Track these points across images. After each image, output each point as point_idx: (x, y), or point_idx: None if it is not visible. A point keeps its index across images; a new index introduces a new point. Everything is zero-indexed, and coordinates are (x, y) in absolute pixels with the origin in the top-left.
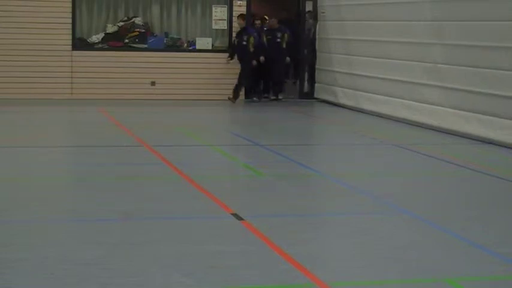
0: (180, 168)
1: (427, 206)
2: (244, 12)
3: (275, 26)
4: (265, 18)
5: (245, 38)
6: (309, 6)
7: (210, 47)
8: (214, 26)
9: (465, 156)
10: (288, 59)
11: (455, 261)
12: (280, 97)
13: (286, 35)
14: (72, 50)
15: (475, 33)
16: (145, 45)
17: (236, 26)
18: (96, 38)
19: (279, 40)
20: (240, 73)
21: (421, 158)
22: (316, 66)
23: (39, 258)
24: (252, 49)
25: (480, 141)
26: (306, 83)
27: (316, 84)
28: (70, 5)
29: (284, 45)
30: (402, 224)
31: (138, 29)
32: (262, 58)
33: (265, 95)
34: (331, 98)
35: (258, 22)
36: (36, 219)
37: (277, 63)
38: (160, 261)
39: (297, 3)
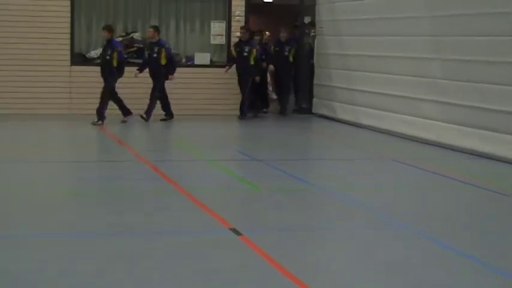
0: (178, 182)
1: (425, 221)
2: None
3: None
4: (263, 33)
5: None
6: (307, 21)
7: (208, 62)
8: (212, 41)
9: (464, 171)
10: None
11: (455, 275)
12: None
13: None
14: (71, 65)
15: (474, 48)
16: (141, 61)
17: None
18: (94, 53)
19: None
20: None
21: (419, 172)
22: (315, 82)
23: (37, 272)
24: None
25: (479, 156)
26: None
27: (314, 99)
28: (69, 20)
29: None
30: (401, 238)
31: (136, 44)
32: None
33: (264, 110)
34: (329, 113)
35: (257, 38)
36: (34, 233)
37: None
38: (159, 276)
39: (295, 18)
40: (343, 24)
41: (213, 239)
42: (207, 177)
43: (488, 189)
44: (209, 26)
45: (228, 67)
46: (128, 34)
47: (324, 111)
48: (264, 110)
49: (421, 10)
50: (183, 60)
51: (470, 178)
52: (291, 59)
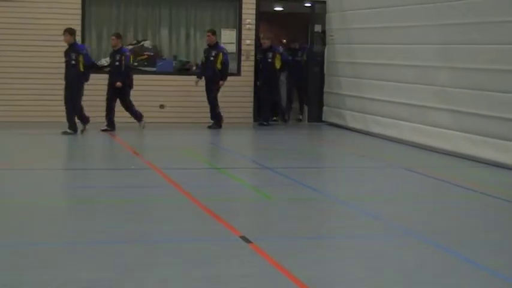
0: (188, 190)
1: (436, 229)
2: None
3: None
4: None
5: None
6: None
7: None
8: None
9: (473, 179)
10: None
11: (466, 285)
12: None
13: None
14: None
15: (483, 56)
16: (154, 69)
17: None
18: (105, 61)
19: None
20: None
21: (429, 181)
22: (325, 90)
23: (46, 281)
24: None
25: (488, 164)
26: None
27: (324, 107)
28: (80, 28)
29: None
30: (411, 247)
31: (147, 52)
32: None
33: (275, 118)
34: (339, 121)
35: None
36: (42, 242)
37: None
38: (168, 284)
39: (306, 26)
40: (353, 32)
41: (223, 247)
42: (217, 185)
43: (499, 197)
44: (219, 34)
45: (198, 80)
46: (138, 42)
47: (334, 120)
48: (274, 118)
49: (430, 19)
50: (194, 68)
51: (480, 187)
52: (277, 66)
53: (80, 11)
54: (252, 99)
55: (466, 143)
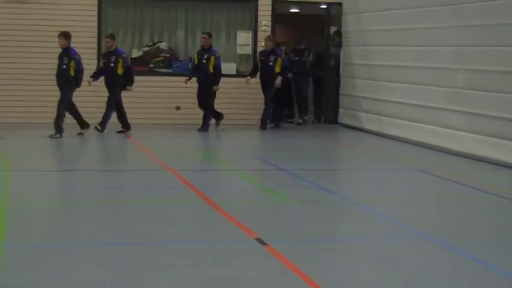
0: (203, 192)
1: (449, 232)
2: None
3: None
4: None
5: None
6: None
7: (234, 72)
8: (238, 51)
9: (487, 181)
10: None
11: (479, 287)
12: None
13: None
14: None
15: (499, 58)
16: (170, 70)
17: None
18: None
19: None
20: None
21: (444, 183)
22: (340, 91)
23: (58, 282)
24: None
25: (502, 166)
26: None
27: (340, 109)
28: (96, 30)
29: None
30: (425, 249)
31: (163, 54)
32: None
33: (290, 120)
34: (355, 123)
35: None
36: (55, 242)
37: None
38: (182, 286)
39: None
40: (369, 34)
41: (238, 249)
42: (232, 187)
43: None
44: (235, 36)
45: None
46: (154, 44)
47: (350, 121)
48: (290, 120)
49: (446, 20)
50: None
51: (493, 188)
52: (276, 70)
53: (96, 13)
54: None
55: (482, 145)
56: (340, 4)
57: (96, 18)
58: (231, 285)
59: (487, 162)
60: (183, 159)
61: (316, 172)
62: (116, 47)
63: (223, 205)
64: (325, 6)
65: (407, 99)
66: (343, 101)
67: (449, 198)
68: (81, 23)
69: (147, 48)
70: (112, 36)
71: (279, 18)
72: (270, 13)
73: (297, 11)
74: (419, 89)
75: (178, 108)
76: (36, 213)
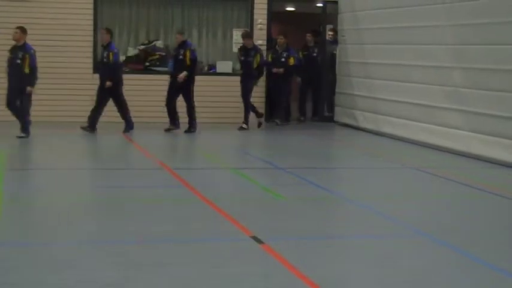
0: (199, 190)
1: (447, 230)
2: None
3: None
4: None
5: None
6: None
7: (230, 70)
8: (234, 49)
9: (485, 180)
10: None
11: (478, 285)
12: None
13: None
14: (94, 73)
15: (496, 57)
16: (166, 68)
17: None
18: None
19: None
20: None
21: (441, 181)
22: (336, 90)
23: (59, 280)
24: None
25: (500, 164)
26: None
27: (336, 108)
28: (91, 28)
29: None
30: (423, 247)
31: (158, 52)
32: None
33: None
34: (351, 122)
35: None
36: (55, 241)
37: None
38: (180, 284)
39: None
40: (365, 32)
41: (234, 247)
42: (228, 185)
43: (511, 198)
44: (231, 34)
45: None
46: (150, 42)
47: (346, 120)
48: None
49: (442, 19)
50: (205, 68)
51: (492, 187)
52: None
53: (91, 11)
54: (263, 99)
55: (478, 144)
56: (336, 2)
57: (92, 17)
58: (228, 283)
59: (484, 160)
60: (179, 158)
61: (313, 170)
62: (25, 42)
63: (219, 203)
64: (321, 5)
65: (404, 97)
66: (339, 99)
67: (447, 197)
68: (76, 21)
69: (143, 47)
70: (22, 29)
71: (275, 16)
72: (266, 11)
73: (293, 9)
74: (416, 87)
75: None
76: (34, 212)
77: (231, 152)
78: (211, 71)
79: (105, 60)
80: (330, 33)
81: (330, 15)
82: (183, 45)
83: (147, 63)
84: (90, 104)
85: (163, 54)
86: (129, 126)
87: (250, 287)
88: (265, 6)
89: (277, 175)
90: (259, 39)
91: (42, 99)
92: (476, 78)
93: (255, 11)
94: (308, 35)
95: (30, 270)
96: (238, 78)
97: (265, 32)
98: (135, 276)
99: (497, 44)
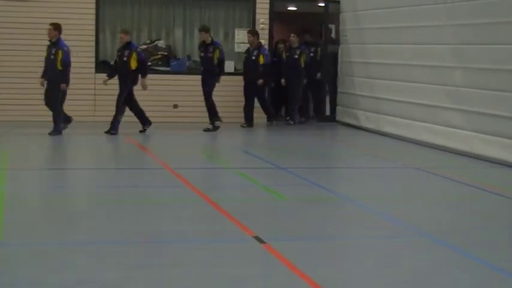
0: (201, 190)
1: (449, 230)
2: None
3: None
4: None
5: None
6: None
7: (232, 70)
8: (236, 49)
9: (487, 180)
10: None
11: (478, 285)
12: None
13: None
14: (96, 72)
15: (497, 56)
16: (168, 68)
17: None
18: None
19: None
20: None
21: (443, 181)
22: (338, 89)
23: (59, 281)
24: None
25: (502, 164)
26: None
27: (337, 107)
28: (94, 28)
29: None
30: (424, 248)
31: (160, 52)
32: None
33: (287, 118)
34: (352, 121)
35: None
36: (55, 241)
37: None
38: (181, 284)
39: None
40: (367, 32)
41: (236, 247)
42: (230, 185)
43: None
44: (233, 34)
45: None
46: (152, 42)
47: (347, 120)
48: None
49: (443, 19)
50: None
51: (493, 187)
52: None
53: (94, 11)
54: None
55: (480, 143)
56: (338, 2)
57: (94, 16)
58: (229, 283)
59: (486, 160)
60: (181, 158)
61: (315, 170)
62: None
63: (221, 203)
64: (323, 4)
65: (405, 97)
66: (340, 98)
67: (449, 197)
68: (78, 21)
69: (144, 46)
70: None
71: (277, 16)
72: (268, 11)
73: (295, 9)
74: (417, 87)
75: (175, 106)
76: (36, 212)
77: (232, 151)
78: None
79: (52, 57)
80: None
81: (332, 14)
82: (128, 46)
83: (149, 63)
84: (92, 104)
85: (166, 54)
86: (57, 130)
87: (251, 287)
88: (267, 6)
89: (278, 175)
90: (261, 38)
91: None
92: (477, 78)
93: (257, 10)
94: (292, 35)
95: (30, 270)
96: (240, 78)
97: (267, 31)
98: (135, 276)
99: (499, 44)
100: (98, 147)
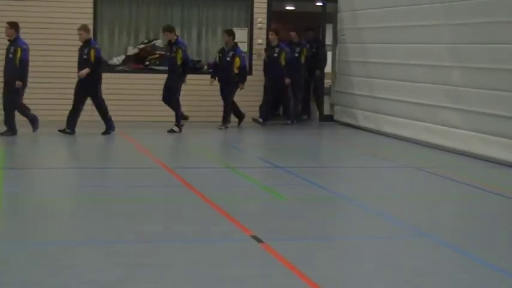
0: (199, 190)
1: (448, 230)
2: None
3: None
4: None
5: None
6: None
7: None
8: None
9: (486, 180)
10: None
11: (478, 285)
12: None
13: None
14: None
15: (496, 56)
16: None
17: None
18: (116, 60)
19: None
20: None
21: (443, 181)
22: (336, 89)
23: (58, 281)
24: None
25: (501, 164)
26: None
27: (336, 107)
28: (91, 27)
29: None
30: (424, 247)
31: (158, 52)
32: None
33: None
34: (351, 121)
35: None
36: (54, 241)
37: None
38: (180, 284)
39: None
40: (365, 31)
41: (234, 247)
42: (228, 184)
43: None
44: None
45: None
46: (150, 41)
47: (346, 119)
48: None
49: (442, 18)
50: (205, 67)
51: (492, 187)
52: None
53: (92, 10)
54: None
55: (478, 143)
56: (335, 1)
57: (91, 16)
58: (228, 283)
59: (485, 160)
60: (179, 157)
61: (313, 169)
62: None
63: (219, 203)
64: (321, 4)
65: (404, 96)
66: (338, 98)
67: (448, 197)
68: (77, 20)
69: (142, 46)
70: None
71: (274, 15)
72: (265, 10)
73: (293, 8)
74: (416, 87)
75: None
76: (35, 212)
77: (231, 151)
78: (211, 70)
79: (11, 56)
80: (293, 33)
81: (329, 14)
82: (87, 43)
83: (147, 63)
84: (89, 103)
85: (163, 53)
86: (10, 131)
87: (250, 287)
88: (265, 6)
89: (277, 175)
90: (259, 38)
91: (41, 98)
92: (475, 77)
93: (255, 10)
94: (271, 33)
95: (30, 270)
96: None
97: (265, 31)
98: (135, 276)
99: (497, 43)
100: (96, 147)
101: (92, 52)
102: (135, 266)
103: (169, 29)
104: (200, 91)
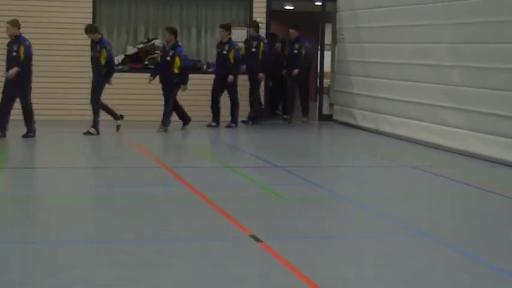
0: (198, 189)
1: (447, 229)
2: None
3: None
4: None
5: (226, 47)
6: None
7: None
8: None
9: (486, 180)
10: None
11: (478, 285)
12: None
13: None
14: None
15: (495, 55)
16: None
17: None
18: (115, 59)
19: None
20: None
21: (441, 181)
22: (335, 88)
23: (57, 280)
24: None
25: (500, 163)
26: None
27: (335, 107)
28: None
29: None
30: (423, 247)
31: (157, 51)
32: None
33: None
34: (350, 120)
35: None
36: (54, 240)
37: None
38: (180, 284)
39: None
40: (364, 31)
41: (233, 246)
42: (227, 183)
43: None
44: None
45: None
46: (149, 41)
47: (345, 118)
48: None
49: (441, 18)
50: (204, 66)
51: (491, 186)
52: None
53: (91, 10)
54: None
55: (477, 143)
56: (335, 1)
57: (91, 15)
58: (227, 282)
59: (484, 159)
60: (178, 156)
61: (313, 169)
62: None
63: (218, 202)
64: (320, 3)
65: (403, 96)
66: (338, 98)
67: (447, 196)
68: (76, 20)
69: (141, 45)
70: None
71: (273, 14)
72: (264, 9)
73: (292, 7)
74: (415, 86)
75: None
76: (34, 211)
77: (230, 150)
78: (210, 70)
79: (14, 54)
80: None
81: (328, 13)
82: (17, 40)
83: (146, 62)
84: (89, 102)
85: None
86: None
87: (249, 286)
88: (264, 5)
89: (276, 174)
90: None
91: (41, 97)
92: (475, 77)
93: (254, 9)
94: (221, 30)
95: (30, 270)
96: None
97: (264, 30)
98: (135, 276)
99: (497, 43)
100: (95, 147)
101: (22, 49)
102: (135, 265)
103: (93, 29)
104: (198, 90)
